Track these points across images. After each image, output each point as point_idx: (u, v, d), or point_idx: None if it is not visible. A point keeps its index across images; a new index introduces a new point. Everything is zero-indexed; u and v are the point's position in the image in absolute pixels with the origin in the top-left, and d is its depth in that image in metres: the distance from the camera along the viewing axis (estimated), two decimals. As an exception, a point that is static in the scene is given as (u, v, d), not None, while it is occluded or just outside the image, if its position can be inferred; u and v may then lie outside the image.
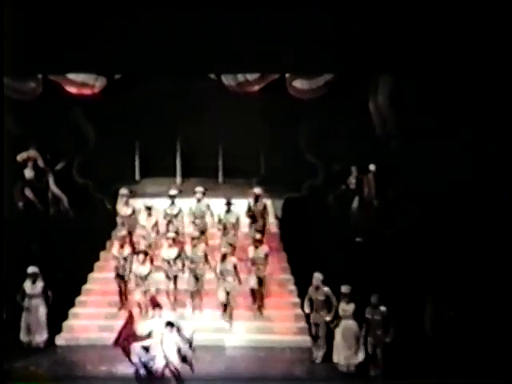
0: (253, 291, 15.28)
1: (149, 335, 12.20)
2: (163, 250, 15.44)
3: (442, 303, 14.24)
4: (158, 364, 11.99)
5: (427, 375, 12.55)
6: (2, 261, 13.34)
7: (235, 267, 15.00)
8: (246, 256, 15.48)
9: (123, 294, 15.37)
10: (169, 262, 15.25)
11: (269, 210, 16.83)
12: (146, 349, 12.22)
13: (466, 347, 13.30)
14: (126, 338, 12.25)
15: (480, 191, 14.79)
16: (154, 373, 12.07)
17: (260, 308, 15.24)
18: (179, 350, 11.94)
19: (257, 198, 16.44)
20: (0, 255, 13.24)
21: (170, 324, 12.07)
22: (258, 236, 15.50)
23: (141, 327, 12.48)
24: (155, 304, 12.98)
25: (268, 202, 17.02)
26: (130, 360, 12.20)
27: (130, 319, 12.52)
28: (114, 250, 15.50)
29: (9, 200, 17.02)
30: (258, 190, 16.49)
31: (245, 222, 16.54)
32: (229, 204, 16.20)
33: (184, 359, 12.00)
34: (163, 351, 11.90)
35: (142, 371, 12.12)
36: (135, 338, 12.22)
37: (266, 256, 15.37)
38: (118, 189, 16.98)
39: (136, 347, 12.18)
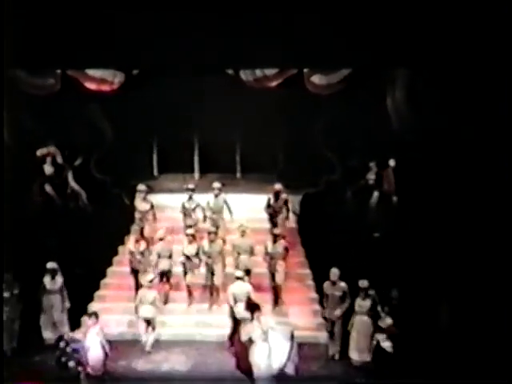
0: (272, 286, 15.30)
1: (250, 340, 12.19)
2: (184, 246, 15.44)
3: (459, 299, 14.18)
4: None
5: (441, 372, 12.54)
6: (2, 258, 13.41)
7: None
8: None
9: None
10: (188, 258, 15.30)
11: (289, 205, 16.80)
12: (74, 341, 12.69)
13: (480, 343, 13.26)
14: (238, 351, 12.42)
15: (499, 186, 14.70)
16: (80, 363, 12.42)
17: (277, 302, 15.24)
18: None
19: (277, 194, 16.44)
20: (0, 251, 13.31)
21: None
22: (276, 231, 15.50)
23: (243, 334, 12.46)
24: (254, 307, 12.81)
25: (289, 197, 16.98)
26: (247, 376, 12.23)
27: (237, 330, 12.64)
28: (130, 244, 15.60)
29: (28, 195, 17.19)
30: (278, 186, 16.49)
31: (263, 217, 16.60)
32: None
33: None
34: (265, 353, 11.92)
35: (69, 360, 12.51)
36: (245, 347, 12.25)
37: (286, 250, 15.37)
38: (135, 184, 17.04)
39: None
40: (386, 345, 13.06)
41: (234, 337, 12.60)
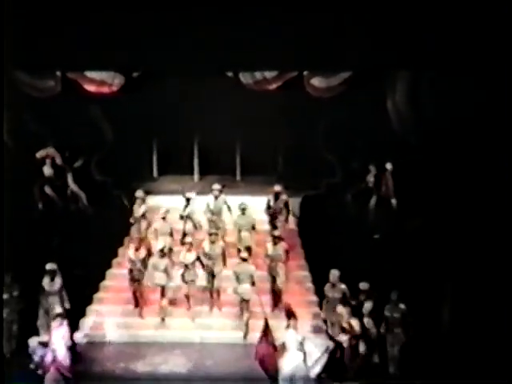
0: (272, 289, 15.30)
1: (283, 346, 12.16)
2: (181, 255, 15.33)
3: (460, 301, 14.19)
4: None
5: (443, 373, 12.54)
6: (3, 257, 13.40)
7: None
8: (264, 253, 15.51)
9: (140, 298, 15.37)
10: (187, 266, 15.27)
11: (290, 207, 16.81)
12: (43, 344, 12.66)
13: (482, 344, 13.26)
14: (265, 353, 12.29)
15: (500, 188, 14.69)
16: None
17: (277, 305, 15.20)
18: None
19: (277, 196, 16.45)
20: (0, 252, 13.31)
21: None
22: (277, 232, 15.51)
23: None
24: (290, 314, 12.81)
25: (289, 199, 16.98)
26: (270, 377, 12.18)
27: (267, 332, 12.49)
28: (130, 252, 15.45)
29: (28, 197, 17.20)
30: (278, 188, 16.50)
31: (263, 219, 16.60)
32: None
33: None
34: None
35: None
36: (274, 349, 12.22)
37: (286, 253, 15.37)
38: (135, 186, 17.06)
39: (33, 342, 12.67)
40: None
41: (264, 337, 12.57)
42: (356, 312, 13.66)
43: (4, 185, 14.25)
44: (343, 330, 12.55)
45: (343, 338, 12.43)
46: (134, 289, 15.30)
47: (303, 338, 12.15)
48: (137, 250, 15.36)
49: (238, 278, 14.73)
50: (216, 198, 16.47)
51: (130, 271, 15.31)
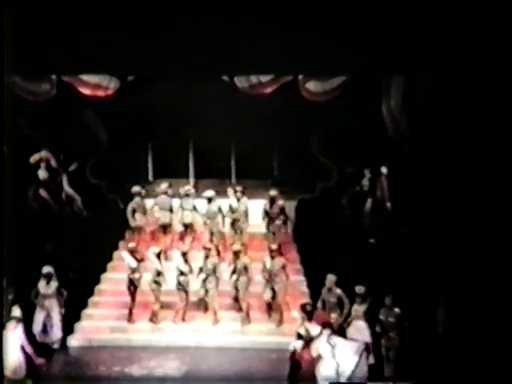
0: (269, 304, 15.29)
1: (319, 356, 12.16)
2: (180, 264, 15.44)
3: (454, 305, 14.21)
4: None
5: (439, 376, 12.55)
6: (3, 257, 13.37)
7: None
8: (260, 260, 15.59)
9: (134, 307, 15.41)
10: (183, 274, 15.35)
11: (286, 212, 16.87)
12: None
13: (477, 348, 13.28)
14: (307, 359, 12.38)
15: (494, 193, 14.71)
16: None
17: (280, 322, 15.18)
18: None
19: (273, 201, 16.48)
20: (0, 253, 13.28)
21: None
22: (274, 246, 15.48)
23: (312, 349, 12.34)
24: (325, 322, 12.78)
25: (285, 203, 17.07)
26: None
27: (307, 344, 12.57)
28: (130, 261, 15.46)
29: (23, 201, 17.17)
30: (273, 193, 16.56)
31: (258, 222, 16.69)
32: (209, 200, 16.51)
33: None
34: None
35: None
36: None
37: (284, 267, 15.35)
38: (131, 189, 17.07)
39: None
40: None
41: (303, 350, 12.68)
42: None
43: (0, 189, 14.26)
44: (299, 336, 12.37)
45: (298, 344, 12.25)
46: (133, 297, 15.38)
47: (337, 345, 12.15)
48: (132, 252, 15.38)
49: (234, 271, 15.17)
50: (238, 199, 16.65)
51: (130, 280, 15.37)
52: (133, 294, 15.33)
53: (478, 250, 14.37)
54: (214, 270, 15.22)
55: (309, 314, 12.17)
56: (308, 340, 11.98)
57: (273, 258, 15.26)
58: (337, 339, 12.28)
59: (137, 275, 15.27)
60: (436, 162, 15.74)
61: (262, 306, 15.39)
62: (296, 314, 12.95)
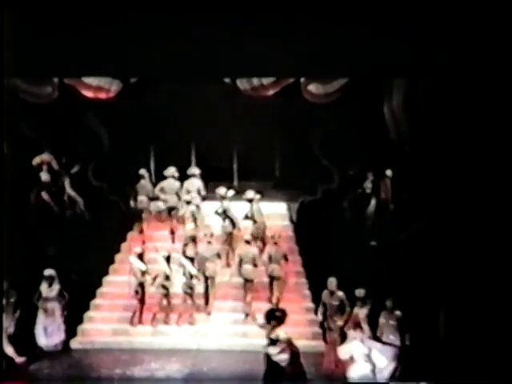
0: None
1: (351, 358, 12.23)
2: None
3: (455, 308, 14.20)
4: None
5: (440, 379, 12.54)
6: (3, 258, 13.39)
7: None
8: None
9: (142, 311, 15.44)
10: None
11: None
12: None
13: (477, 350, 13.27)
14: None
15: (496, 195, 14.70)
16: None
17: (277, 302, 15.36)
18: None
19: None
20: (0, 253, 13.30)
21: None
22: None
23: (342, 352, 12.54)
24: (357, 326, 12.83)
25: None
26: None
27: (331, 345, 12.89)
28: (139, 264, 15.45)
29: (25, 203, 17.19)
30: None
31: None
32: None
33: None
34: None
35: None
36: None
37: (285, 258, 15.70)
38: (132, 192, 17.11)
39: None
40: (279, 358, 12.47)
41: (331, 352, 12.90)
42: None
43: (2, 191, 14.28)
44: (272, 342, 12.15)
45: (272, 351, 12.06)
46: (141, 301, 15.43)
47: (370, 349, 12.14)
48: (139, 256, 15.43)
49: (241, 261, 15.36)
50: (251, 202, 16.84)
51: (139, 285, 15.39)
52: (141, 298, 15.32)
53: (480, 253, 14.35)
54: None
55: (279, 319, 11.98)
56: (287, 344, 11.85)
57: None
58: (371, 342, 12.29)
59: (147, 278, 15.27)
60: (438, 165, 15.73)
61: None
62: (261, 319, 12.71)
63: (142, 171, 17.60)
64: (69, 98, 16.80)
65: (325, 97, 16.50)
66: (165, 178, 17.74)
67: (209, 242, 15.65)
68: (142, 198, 17.44)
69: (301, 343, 14.32)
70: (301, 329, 14.96)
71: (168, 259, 15.41)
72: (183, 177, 17.86)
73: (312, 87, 16.53)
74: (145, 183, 17.62)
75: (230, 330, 15.23)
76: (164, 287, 15.22)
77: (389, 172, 17.02)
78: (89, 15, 13.08)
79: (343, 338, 13.73)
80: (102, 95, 16.92)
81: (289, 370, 11.36)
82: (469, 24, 12.78)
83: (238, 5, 13.03)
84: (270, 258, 15.60)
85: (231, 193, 17.17)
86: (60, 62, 13.69)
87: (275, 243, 15.80)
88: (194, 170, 17.86)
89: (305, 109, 16.93)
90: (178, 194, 17.25)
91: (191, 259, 15.54)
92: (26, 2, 12.96)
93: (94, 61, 13.63)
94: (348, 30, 13.19)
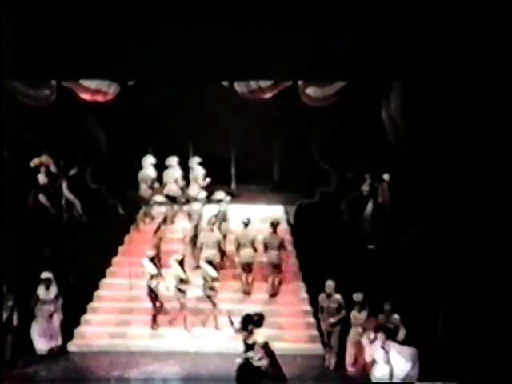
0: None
1: (373, 361, 12.35)
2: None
3: (454, 311, 14.18)
4: None
5: (439, 380, 12.55)
6: (2, 260, 13.37)
7: None
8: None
9: (158, 313, 15.36)
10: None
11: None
12: None
13: (476, 354, 13.26)
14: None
15: (494, 198, 14.70)
16: None
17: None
18: None
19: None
20: (1, 256, 13.28)
21: None
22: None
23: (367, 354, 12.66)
24: (379, 328, 12.87)
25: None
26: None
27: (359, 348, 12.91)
28: (150, 268, 15.34)
29: (23, 206, 17.17)
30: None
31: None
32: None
33: None
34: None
35: None
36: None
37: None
38: (130, 194, 17.10)
39: None
40: (261, 363, 11.82)
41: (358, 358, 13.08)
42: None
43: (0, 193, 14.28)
44: (250, 347, 12.05)
45: (251, 356, 11.98)
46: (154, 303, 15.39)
47: (391, 350, 12.14)
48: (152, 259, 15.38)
49: (238, 245, 15.66)
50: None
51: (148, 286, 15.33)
52: (154, 301, 15.26)
53: (478, 256, 14.35)
54: None
55: (257, 323, 11.93)
56: (264, 348, 11.82)
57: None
58: (391, 344, 12.29)
59: (155, 282, 15.22)
60: (436, 167, 15.72)
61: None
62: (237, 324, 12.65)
63: (150, 159, 17.91)
64: (67, 101, 16.77)
65: (323, 100, 16.48)
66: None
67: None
68: (143, 188, 17.72)
69: (298, 346, 14.59)
70: (298, 332, 15.01)
71: (181, 263, 15.32)
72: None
73: (310, 90, 16.50)
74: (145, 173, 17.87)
75: (227, 333, 15.16)
76: (180, 290, 15.14)
77: (386, 176, 17.01)
78: (87, 18, 13.07)
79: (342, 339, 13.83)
80: (100, 98, 16.90)
81: (269, 371, 11.43)
82: (467, 27, 12.78)
83: (236, 8, 13.03)
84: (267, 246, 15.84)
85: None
86: (58, 64, 13.69)
87: (274, 230, 15.97)
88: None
89: (303, 112, 16.92)
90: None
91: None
92: (24, 5, 12.96)
93: (92, 64, 13.63)
94: (346, 33, 13.19)
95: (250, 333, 11.62)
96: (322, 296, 14.10)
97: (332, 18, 13.03)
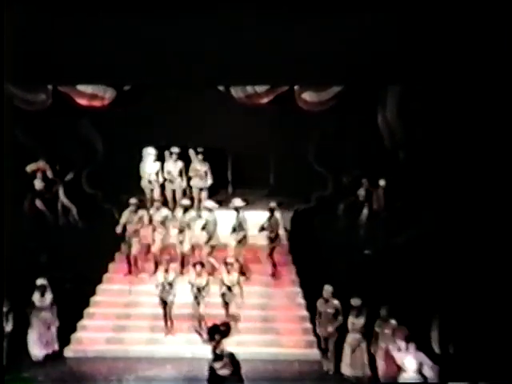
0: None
1: (402, 368, 12.18)
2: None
3: (449, 317, 14.19)
4: None
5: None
6: (3, 263, 13.34)
7: None
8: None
9: (168, 320, 15.24)
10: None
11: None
12: None
13: (474, 357, 13.26)
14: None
15: (491, 202, 14.74)
16: None
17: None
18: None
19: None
20: (1, 259, 13.25)
21: None
22: (229, 260, 15.30)
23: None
24: (409, 338, 12.55)
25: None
26: None
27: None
28: (160, 276, 15.17)
29: (19, 211, 17.14)
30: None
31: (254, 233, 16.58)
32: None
33: None
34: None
35: None
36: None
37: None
38: (127, 199, 17.06)
39: None
40: (223, 372, 11.71)
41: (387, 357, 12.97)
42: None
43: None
44: (217, 357, 11.94)
45: (216, 365, 11.90)
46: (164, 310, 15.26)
47: (420, 362, 12.10)
48: (166, 271, 15.12)
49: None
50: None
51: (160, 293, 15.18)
52: (165, 308, 15.14)
53: (474, 260, 14.40)
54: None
55: (223, 333, 11.86)
56: (230, 358, 11.74)
57: (228, 272, 15.01)
58: (419, 354, 12.26)
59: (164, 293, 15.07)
60: (432, 172, 15.77)
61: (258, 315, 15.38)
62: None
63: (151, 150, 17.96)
64: (63, 106, 16.81)
65: (319, 104, 16.56)
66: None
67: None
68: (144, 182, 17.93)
69: (295, 351, 14.57)
70: (295, 337, 14.98)
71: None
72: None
73: (306, 95, 16.58)
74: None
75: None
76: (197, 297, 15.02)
77: (382, 182, 17.03)
78: (83, 23, 13.07)
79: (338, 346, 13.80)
80: (96, 103, 16.95)
81: (230, 379, 11.46)
82: (463, 32, 12.80)
83: (232, 13, 13.04)
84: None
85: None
86: (54, 69, 13.69)
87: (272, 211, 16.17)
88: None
89: (299, 116, 16.98)
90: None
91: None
92: (20, 11, 12.95)
93: (88, 68, 13.64)
94: (342, 38, 13.20)
95: (218, 342, 11.65)
96: (320, 301, 14.08)
97: (328, 23, 13.04)
